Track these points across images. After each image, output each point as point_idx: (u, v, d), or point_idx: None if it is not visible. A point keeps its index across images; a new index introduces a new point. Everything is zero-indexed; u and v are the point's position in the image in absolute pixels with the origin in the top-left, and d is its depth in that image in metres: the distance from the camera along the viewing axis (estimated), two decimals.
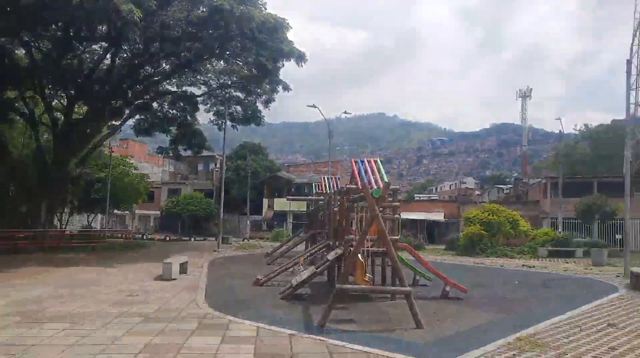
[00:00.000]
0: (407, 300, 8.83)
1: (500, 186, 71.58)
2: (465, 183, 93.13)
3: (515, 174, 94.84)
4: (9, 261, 18.82)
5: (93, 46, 28.14)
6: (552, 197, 38.93)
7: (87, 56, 28.95)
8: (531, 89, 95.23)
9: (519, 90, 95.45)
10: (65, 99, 29.49)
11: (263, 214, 52.08)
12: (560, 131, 45.79)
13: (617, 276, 17.75)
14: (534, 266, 21.70)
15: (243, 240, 41.26)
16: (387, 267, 11.64)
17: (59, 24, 23.29)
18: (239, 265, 20.27)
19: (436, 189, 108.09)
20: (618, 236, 31.86)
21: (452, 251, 30.23)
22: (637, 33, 42.39)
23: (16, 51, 26.24)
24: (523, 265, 22.22)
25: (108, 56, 27.32)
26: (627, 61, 20.78)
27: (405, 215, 41.42)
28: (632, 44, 37.99)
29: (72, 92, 28.27)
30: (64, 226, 35.21)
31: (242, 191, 50.45)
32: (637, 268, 16.66)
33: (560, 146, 49.55)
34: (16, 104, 28.15)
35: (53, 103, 29.87)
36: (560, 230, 34.15)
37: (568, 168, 51.01)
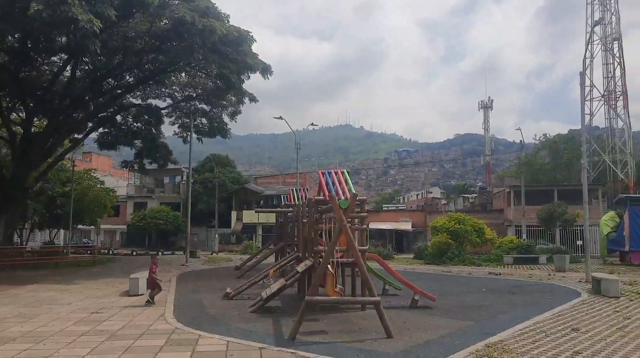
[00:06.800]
0: (376, 310, 8.87)
1: (466, 195, 73.01)
2: (431, 192, 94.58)
3: (479, 184, 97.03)
4: None
5: (52, 58, 27.31)
6: (515, 205, 39.86)
7: (47, 68, 28.12)
8: (492, 100, 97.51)
9: (481, 101, 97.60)
10: (24, 113, 28.54)
11: (232, 227, 51.53)
12: (521, 140, 46.93)
13: (579, 281, 18.26)
14: (500, 274, 22.06)
15: (212, 254, 40.66)
16: (357, 278, 11.66)
17: (16, 36, 22.57)
18: (207, 278, 19.94)
19: (403, 199, 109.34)
20: (579, 243, 32.90)
21: (420, 260, 30.52)
22: (589, 46, 44.43)
23: None
24: (490, 273, 22.56)
25: (68, 68, 26.46)
26: (580, 73, 21.42)
27: (374, 225, 41.74)
28: (584, 56, 39.54)
29: (31, 105, 27.43)
30: (24, 243, 34.03)
31: (210, 204, 49.89)
32: (598, 273, 17.22)
33: (521, 156, 50.98)
34: None
35: (11, 116, 28.93)
36: (524, 237, 34.93)
37: (529, 176, 52.59)
